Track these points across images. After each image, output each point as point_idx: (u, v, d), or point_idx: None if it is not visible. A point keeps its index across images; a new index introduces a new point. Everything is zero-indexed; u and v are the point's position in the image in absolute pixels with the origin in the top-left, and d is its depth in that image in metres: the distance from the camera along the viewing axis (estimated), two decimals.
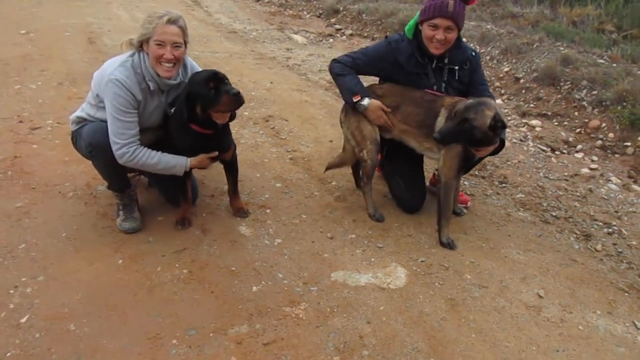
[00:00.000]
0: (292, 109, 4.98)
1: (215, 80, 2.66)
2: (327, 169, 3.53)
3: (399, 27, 7.70)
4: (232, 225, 3.11)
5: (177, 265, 2.73)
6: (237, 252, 2.87)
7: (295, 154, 4.09)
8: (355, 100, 3.10)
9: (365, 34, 8.11)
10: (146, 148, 2.78)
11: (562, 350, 2.35)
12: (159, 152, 2.80)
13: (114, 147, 2.69)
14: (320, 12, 9.34)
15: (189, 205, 3.10)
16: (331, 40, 7.94)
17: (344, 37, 8.12)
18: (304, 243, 2.99)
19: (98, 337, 2.25)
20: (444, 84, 3.14)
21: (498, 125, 2.73)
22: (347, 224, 3.21)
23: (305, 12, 9.70)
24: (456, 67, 3.15)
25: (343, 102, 3.36)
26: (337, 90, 5.48)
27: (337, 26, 8.52)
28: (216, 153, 2.92)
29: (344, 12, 8.86)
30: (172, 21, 2.64)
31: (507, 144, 3.47)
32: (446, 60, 3.13)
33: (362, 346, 2.29)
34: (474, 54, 3.19)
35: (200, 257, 2.80)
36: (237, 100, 2.64)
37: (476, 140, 2.81)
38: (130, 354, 2.18)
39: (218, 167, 3.69)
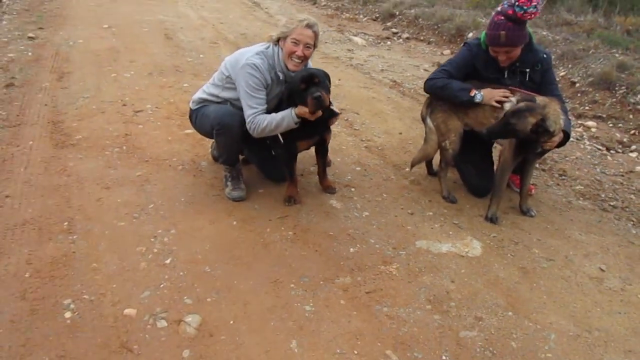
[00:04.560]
0: (361, 104, 5.41)
1: (306, 82, 3.06)
2: (413, 165, 3.81)
3: (455, 32, 8.06)
4: (324, 199, 3.56)
5: (282, 228, 3.19)
6: (331, 220, 3.31)
7: (370, 143, 4.51)
8: (471, 95, 3.35)
9: (422, 38, 8.48)
10: (261, 114, 3.16)
11: (624, 313, 2.69)
12: (267, 115, 3.18)
13: (247, 120, 3.16)
14: (377, 15, 9.75)
15: (296, 185, 3.52)
16: (389, 42, 8.35)
17: (401, 40, 8.52)
18: (388, 216, 3.41)
19: (230, 278, 2.72)
20: (517, 86, 3.49)
21: (539, 131, 3.04)
22: (424, 203, 3.61)
23: (361, 16, 10.13)
24: (527, 70, 3.47)
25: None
26: (401, 89, 5.99)
27: (394, 30, 8.91)
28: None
29: (400, 17, 9.25)
30: (309, 25, 3.15)
31: None
32: (517, 64, 3.46)
33: (449, 299, 2.69)
34: (545, 55, 3.52)
35: (301, 223, 3.25)
36: (317, 102, 3.00)
37: (522, 139, 3.15)
38: (259, 292, 2.63)
39: (302, 153, 4.14)
